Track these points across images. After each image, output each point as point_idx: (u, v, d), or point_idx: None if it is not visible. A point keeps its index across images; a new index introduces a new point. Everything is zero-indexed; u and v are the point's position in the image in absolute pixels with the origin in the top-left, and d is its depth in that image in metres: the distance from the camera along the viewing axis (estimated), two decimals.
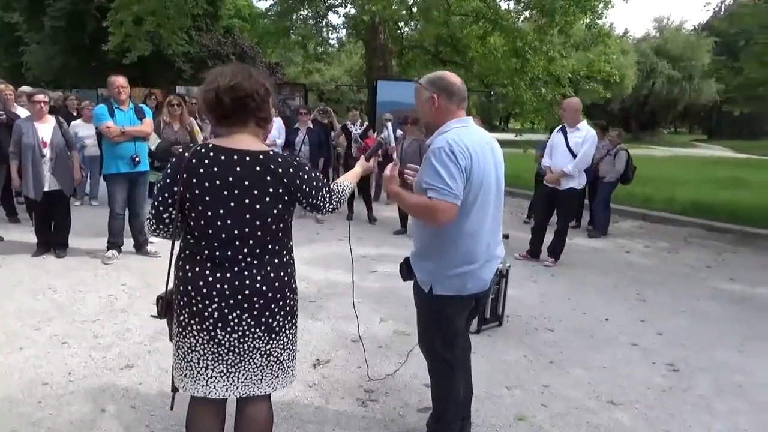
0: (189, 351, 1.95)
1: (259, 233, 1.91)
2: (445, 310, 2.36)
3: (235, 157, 1.87)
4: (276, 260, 1.97)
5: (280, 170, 1.90)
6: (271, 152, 1.93)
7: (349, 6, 17.19)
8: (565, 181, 5.99)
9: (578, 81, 19.80)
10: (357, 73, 36.27)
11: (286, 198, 1.93)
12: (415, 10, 16.89)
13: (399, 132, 8.97)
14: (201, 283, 1.89)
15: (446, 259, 2.28)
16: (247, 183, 1.86)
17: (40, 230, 5.64)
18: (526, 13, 16.66)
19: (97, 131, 7.03)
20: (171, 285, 2.03)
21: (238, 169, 1.86)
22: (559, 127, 6.25)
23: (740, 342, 4.21)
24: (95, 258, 5.62)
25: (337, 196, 2.13)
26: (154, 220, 1.94)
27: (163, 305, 2.03)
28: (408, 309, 3.87)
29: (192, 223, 1.91)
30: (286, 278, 2.00)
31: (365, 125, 8.52)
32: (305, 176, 1.97)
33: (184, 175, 1.85)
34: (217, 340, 1.92)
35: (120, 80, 5.24)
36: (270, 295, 1.94)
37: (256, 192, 1.87)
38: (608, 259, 6.75)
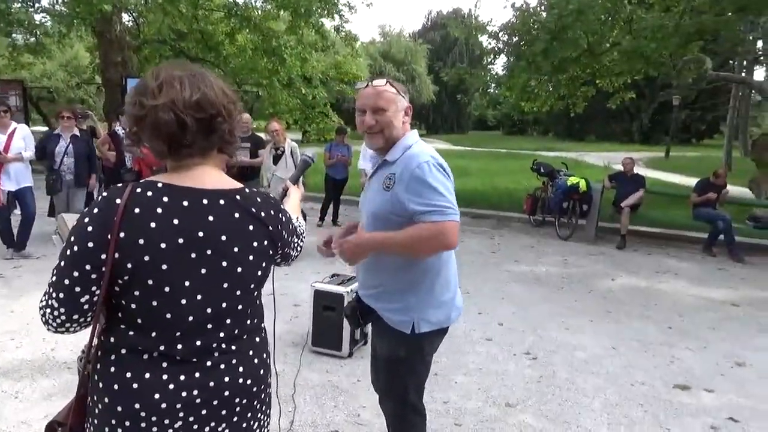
0: None
1: (240, 307, 1.34)
2: (426, 349, 2.06)
3: (204, 200, 1.27)
4: (257, 339, 1.42)
5: (263, 214, 1.35)
6: (246, 191, 1.36)
7: None
8: None
9: (327, 81, 20.54)
10: (78, 68, 31.53)
11: (270, 252, 1.39)
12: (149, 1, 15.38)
13: None
14: (157, 396, 1.23)
15: (429, 290, 1.99)
16: (224, 238, 1.28)
17: None
18: (276, 12, 16.52)
19: None
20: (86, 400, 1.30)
21: (210, 218, 1.26)
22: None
23: (560, 320, 4.77)
24: None
25: (301, 240, 1.64)
26: (63, 309, 1.20)
27: None
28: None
29: (135, 306, 1.23)
30: (267, 360, 1.45)
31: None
32: (284, 218, 1.45)
33: (120, 234, 1.18)
34: None
35: None
36: (255, 389, 1.38)
37: (237, 249, 1.30)
38: None
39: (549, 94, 12.01)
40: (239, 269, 1.31)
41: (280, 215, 1.42)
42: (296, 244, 1.57)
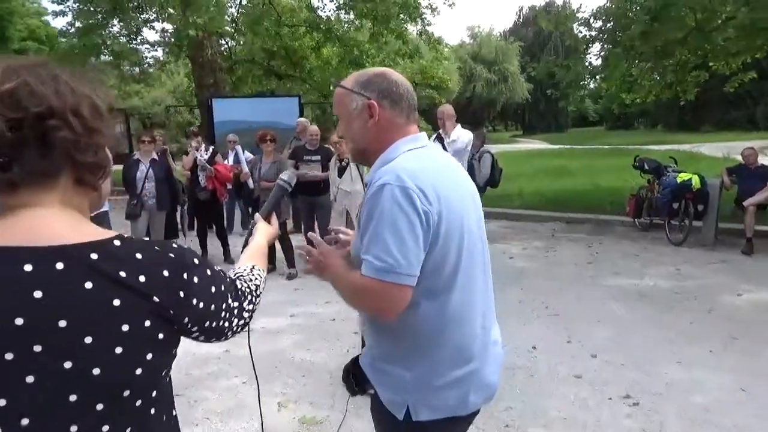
0: None
1: (107, 430, 0.89)
2: None
3: (28, 266, 0.83)
4: None
5: (143, 278, 0.90)
6: (116, 242, 0.92)
7: (164, 22, 15.48)
8: None
9: (415, 87, 20.19)
10: (184, 92, 33.75)
11: (162, 336, 0.93)
12: (240, 23, 15.83)
13: (248, 154, 7.89)
14: None
15: (429, 362, 1.42)
16: (65, 324, 0.83)
17: None
18: (357, 22, 16.45)
19: None
20: None
21: (38, 294, 0.82)
22: (435, 135, 5.82)
23: (671, 350, 3.94)
24: None
25: (250, 299, 1.17)
26: None
27: None
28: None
29: None
30: None
31: (211, 149, 7.29)
32: (194, 278, 0.97)
33: None
34: None
35: None
36: None
37: (89, 341, 0.85)
38: (497, 269, 6.31)
39: (654, 82, 10.80)
40: (96, 371, 0.85)
41: (183, 275, 0.95)
42: (234, 314, 1.10)
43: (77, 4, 14.07)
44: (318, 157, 6.62)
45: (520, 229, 8.84)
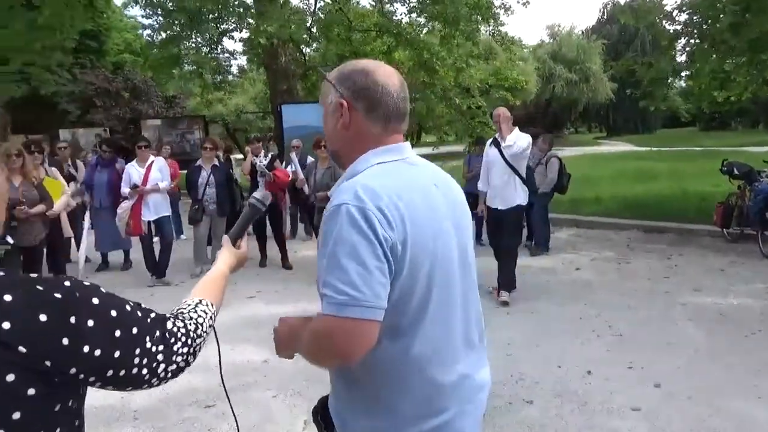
0: None
1: None
2: None
3: None
4: None
5: (7, 326, 0.77)
6: None
7: (244, 30, 16.04)
8: (509, 199, 5.24)
9: (488, 90, 19.67)
10: (263, 99, 34.97)
11: (31, 393, 0.80)
12: (314, 30, 16.07)
13: (310, 159, 7.90)
14: None
15: (393, 413, 1.22)
16: None
17: None
18: (429, 25, 16.26)
19: None
20: None
21: None
22: (491, 140, 5.53)
23: (752, 383, 3.45)
24: None
25: (184, 341, 1.03)
26: None
27: None
28: None
29: None
30: None
31: (270, 155, 7.36)
32: (84, 324, 0.84)
33: None
34: None
35: None
36: None
37: None
38: (561, 281, 5.99)
39: (751, 78, 9.83)
40: None
41: (70, 319, 0.82)
42: (158, 360, 0.95)
43: (161, 18, 14.87)
44: None
45: (591, 237, 8.30)
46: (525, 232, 7.73)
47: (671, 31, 9.55)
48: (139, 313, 0.96)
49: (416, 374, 1.20)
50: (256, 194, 1.53)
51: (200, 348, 1.06)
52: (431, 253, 1.17)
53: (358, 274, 1.07)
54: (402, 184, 1.18)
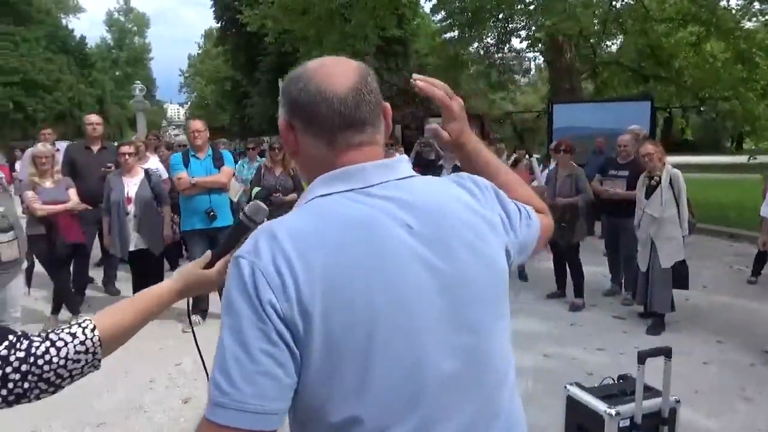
0: None
1: None
2: None
3: None
4: None
5: None
6: None
7: (528, 30, 15.72)
8: None
9: None
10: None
11: None
12: (607, 22, 14.77)
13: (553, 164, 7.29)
14: None
15: None
16: None
17: (133, 291, 5.33)
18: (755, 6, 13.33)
19: None
20: None
21: None
22: None
23: None
24: (181, 323, 4.86)
25: (16, 366, 0.94)
26: None
27: None
28: None
29: None
30: None
31: (513, 157, 7.05)
32: None
33: None
34: None
35: (195, 124, 4.72)
36: None
37: None
38: None
39: None
40: None
41: None
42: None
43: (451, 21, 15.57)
44: (626, 173, 5.61)
45: None
46: None
47: None
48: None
49: None
50: (247, 210, 1.19)
51: (58, 378, 0.97)
52: (368, 323, 0.83)
53: (236, 360, 0.79)
54: (330, 228, 0.86)
